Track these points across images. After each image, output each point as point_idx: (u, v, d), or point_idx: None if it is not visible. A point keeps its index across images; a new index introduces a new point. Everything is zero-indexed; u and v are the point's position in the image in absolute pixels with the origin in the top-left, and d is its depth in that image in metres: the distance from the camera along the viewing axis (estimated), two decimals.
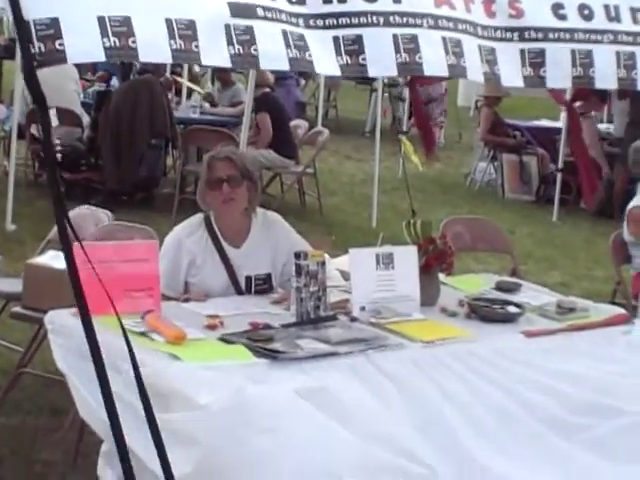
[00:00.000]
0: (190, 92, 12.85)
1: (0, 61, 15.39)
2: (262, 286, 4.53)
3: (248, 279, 4.52)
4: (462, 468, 3.53)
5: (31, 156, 10.25)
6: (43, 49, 3.11)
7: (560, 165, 11.51)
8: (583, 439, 3.78)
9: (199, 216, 4.60)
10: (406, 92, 15.09)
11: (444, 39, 4.02)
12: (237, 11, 3.53)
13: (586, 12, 4.47)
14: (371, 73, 3.90)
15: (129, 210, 8.49)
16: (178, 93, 13.14)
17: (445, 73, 4.11)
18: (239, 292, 4.52)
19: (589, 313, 4.48)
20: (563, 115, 12.02)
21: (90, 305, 3.72)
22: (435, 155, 10.93)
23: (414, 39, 3.93)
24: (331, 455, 3.30)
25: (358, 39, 3.82)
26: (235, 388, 3.29)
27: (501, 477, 3.57)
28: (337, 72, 3.84)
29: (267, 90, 10.46)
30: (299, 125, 11.41)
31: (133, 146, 9.91)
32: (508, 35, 4.27)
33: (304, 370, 3.53)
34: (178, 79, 12.85)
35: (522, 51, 4.29)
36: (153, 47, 3.34)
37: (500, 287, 4.76)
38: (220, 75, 11.73)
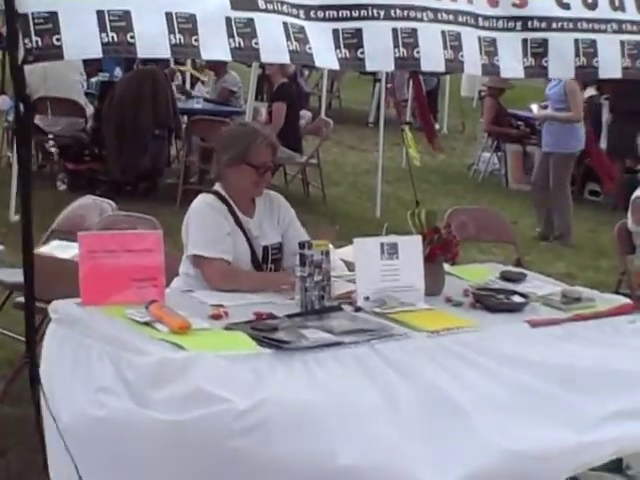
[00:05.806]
0: (193, 83, 12.83)
1: (3, 52, 15.36)
2: (276, 255, 4.57)
3: (265, 249, 4.54)
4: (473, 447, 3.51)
5: (34, 147, 10.23)
6: (40, 44, 3.10)
7: None
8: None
9: (208, 195, 4.53)
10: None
11: (443, 33, 4.02)
12: (238, 4, 3.52)
13: (590, 1, 4.46)
14: (369, 67, 3.90)
15: (133, 200, 8.49)
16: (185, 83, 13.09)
17: (442, 68, 4.11)
18: (256, 263, 4.51)
19: (595, 303, 4.46)
20: None
21: (95, 295, 3.76)
22: (439, 146, 10.97)
23: (413, 33, 3.92)
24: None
25: (358, 33, 3.81)
26: (259, 398, 3.29)
27: (512, 451, 3.54)
28: (336, 66, 3.84)
29: (286, 80, 10.42)
30: (302, 115, 11.40)
31: (136, 136, 9.90)
32: (510, 24, 4.25)
33: (306, 362, 3.51)
34: (182, 68, 12.83)
35: (524, 41, 4.27)
36: (152, 42, 3.33)
37: (505, 277, 4.75)
38: (212, 66, 11.72)
